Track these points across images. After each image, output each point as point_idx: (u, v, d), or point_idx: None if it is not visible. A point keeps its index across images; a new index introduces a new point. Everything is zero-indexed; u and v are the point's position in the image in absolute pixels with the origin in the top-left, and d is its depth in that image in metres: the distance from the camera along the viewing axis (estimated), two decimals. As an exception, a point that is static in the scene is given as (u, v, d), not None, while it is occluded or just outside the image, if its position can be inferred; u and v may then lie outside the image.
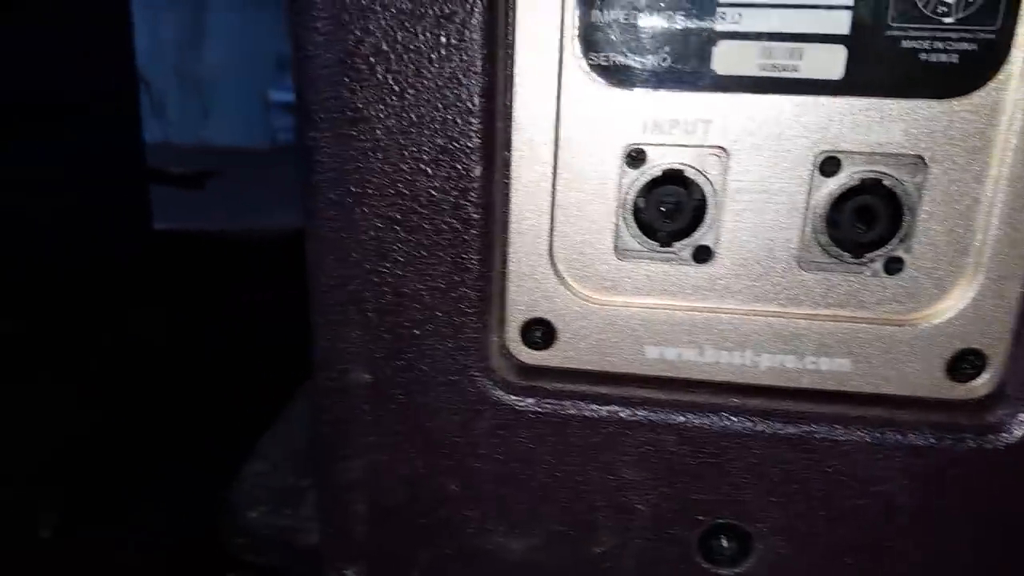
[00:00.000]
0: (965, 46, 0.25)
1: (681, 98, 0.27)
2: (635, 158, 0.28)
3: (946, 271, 0.28)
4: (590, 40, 0.27)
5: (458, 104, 0.27)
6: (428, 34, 0.26)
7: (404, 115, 0.27)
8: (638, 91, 0.27)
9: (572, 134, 0.28)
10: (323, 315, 0.30)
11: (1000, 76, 0.26)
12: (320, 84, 0.27)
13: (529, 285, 0.30)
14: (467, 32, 0.26)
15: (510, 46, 0.27)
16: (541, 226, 0.29)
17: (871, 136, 0.27)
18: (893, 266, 0.28)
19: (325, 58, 0.27)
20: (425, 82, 0.27)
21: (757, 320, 0.29)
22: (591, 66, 0.27)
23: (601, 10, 0.27)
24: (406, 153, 0.27)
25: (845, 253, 0.28)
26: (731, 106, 0.27)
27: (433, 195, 0.28)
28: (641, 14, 0.26)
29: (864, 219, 0.27)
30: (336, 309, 0.30)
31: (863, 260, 0.28)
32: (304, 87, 0.28)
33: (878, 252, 0.28)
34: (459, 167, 0.27)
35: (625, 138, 0.28)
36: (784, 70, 0.26)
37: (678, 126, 0.28)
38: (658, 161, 0.28)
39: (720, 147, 0.28)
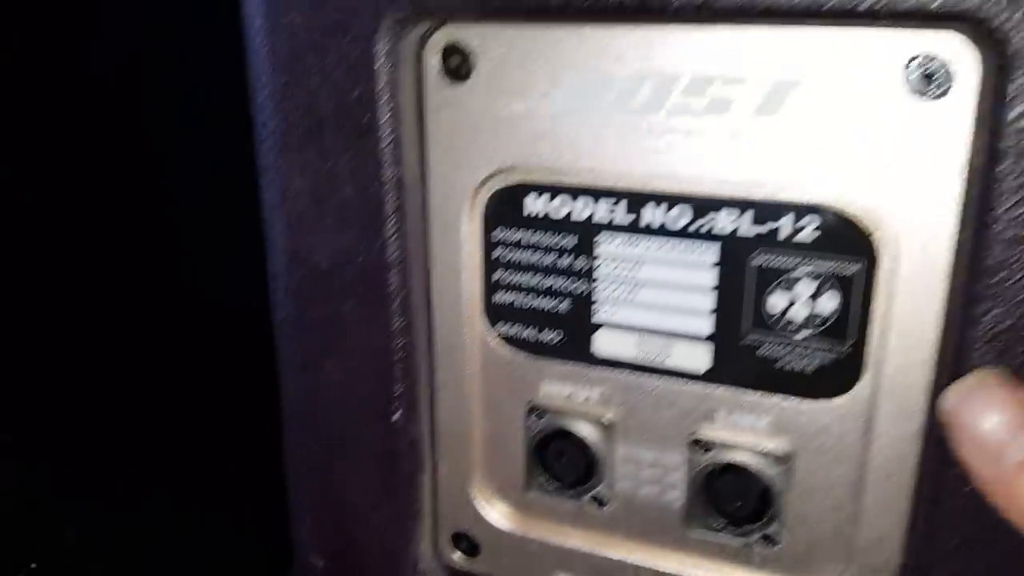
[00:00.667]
0: (819, 360, 0.27)
1: (570, 369, 0.31)
2: (536, 412, 0.32)
3: (820, 550, 0.29)
4: (495, 315, 0.31)
5: (385, 363, 0.32)
6: (352, 304, 0.31)
7: (344, 378, 0.33)
8: (536, 359, 0.31)
9: (485, 387, 0.32)
10: (293, 505, 0.36)
11: (858, 385, 0.27)
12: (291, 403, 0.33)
13: (456, 504, 0.34)
14: (387, 303, 0.31)
15: (430, 312, 0.32)
16: (464, 458, 0.33)
17: (738, 424, 0.29)
18: (769, 540, 0.29)
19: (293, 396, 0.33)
20: (353, 347, 0.32)
21: (649, 563, 0.32)
22: (498, 335, 0.31)
23: (501, 291, 0.31)
24: (347, 409, 0.33)
25: (723, 520, 0.30)
26: (613, 382, 0.30)
27: (370, 439, 0.33)
28: (533, 300, 0.30)
29: (734, 498, 0.29)
30: (302, 503, 0.36)
31: (744, 530, 0.30)
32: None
33: (752, 527, 0.29)
34: (388, 418, 0.32)
35: (527, 394, 0.32)
36: (657, 357, 0.29)
37: (568, 392, 0.31)
38: (553, 419, 0.31)
39: (604, 414, 0.31)
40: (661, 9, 0.24)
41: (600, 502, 0.32)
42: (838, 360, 0.27)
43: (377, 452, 0.33)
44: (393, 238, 0.30)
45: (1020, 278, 0.23)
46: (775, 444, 0.28)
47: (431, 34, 0.28)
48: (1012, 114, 0.22)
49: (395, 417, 0.32)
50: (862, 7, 0.22)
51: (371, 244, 0.30)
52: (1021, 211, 0.22)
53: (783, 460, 0.28)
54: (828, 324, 0.26)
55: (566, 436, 0.31)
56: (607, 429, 0.31)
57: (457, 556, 0.35)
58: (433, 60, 0.29)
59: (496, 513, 0.34)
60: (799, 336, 0.27)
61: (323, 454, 0.34)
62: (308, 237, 0.31)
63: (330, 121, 0.29)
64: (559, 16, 0.26)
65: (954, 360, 0.24)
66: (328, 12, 0.28)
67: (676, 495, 0.30)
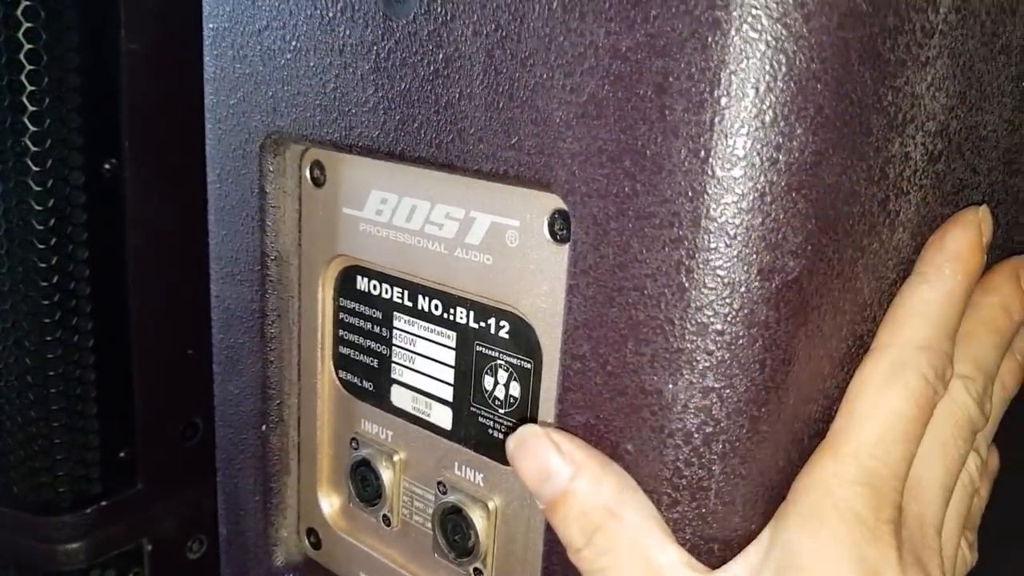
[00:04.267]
0: (508, 430, 0.34)
1: (378, 413, 0.40)
2: (354, 442, 0.41)
3: (519, 592, 0.36)
4: (338, 362, 0.41)
5: (262, 387, 0.43)
6: (245, 338, 0.43)
7: (238, 393, 0.44)
8: (359, 401, 0.41)
9: (329, 417, 0.42)
10: (217, 480, 0.48)
11: (539, 459, 0.34)
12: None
13: (309, 504, 0.44)
14: (267, 342, 0.42)
15: (300, 353, 0.43)
16: (314, 469, 0.43)
17: (465, 475, 0.36)
18: (479, 572, 0.36)
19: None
20: (243, 371, 0.43)
21: (413, 577, 0.40)
22: (339, 379, 0.41)
23: (342, 345, 0.41)
24: (239, 416, 0.44)
25: (452, 551, 0.37)
26: (401, 428, 0.39)
27: (250, 443, 0.44)
28: (358, 355, 0.40)
29: (455, 534, 0.36)
30: (219, 480, 0.48)
31: (463, 562, 0.37)
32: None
33: (467, 559, 0.36)
34: (259, 428, 0.43)
35: (352, 428, 0.41)
36: (423, 413, 0.38)
37: (376, 430, 0.40)
38: (363, 451, 0.41)
39: (396, 452, 0.39)
40: (416, 158, 0.34)
41: (387, 522, 0.40)
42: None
43: (254, 454, 0.44)
44: (272, 294, 0.41)
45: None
46: (484, 496, 0.36)
47: (305, 152, 0.40)
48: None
49: (264, 428, 0.43)
50: (511, 174, 0.30)
51: (257, 296, 0.42)
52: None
53: (488, 510, 0.35)
54: (515, 406, 0.34)
55: (368, 465, 0.40)
56: (395, 465, 0.39)
57: (307, 547, 0.45)
58: (306, 171, 0.40)
59: (330, 516, 0.43)
60: (501, 411, 0.34)
61: (227, 448, 0.46)
62: (222, 285, 0.43)
63: (236, 211, 0.41)
64: (370, 153, 0.36)
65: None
66: (235, 133, 0.40)
67: (428, 525, 0.38)
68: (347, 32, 0.34)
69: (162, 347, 0.67)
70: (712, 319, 0.26)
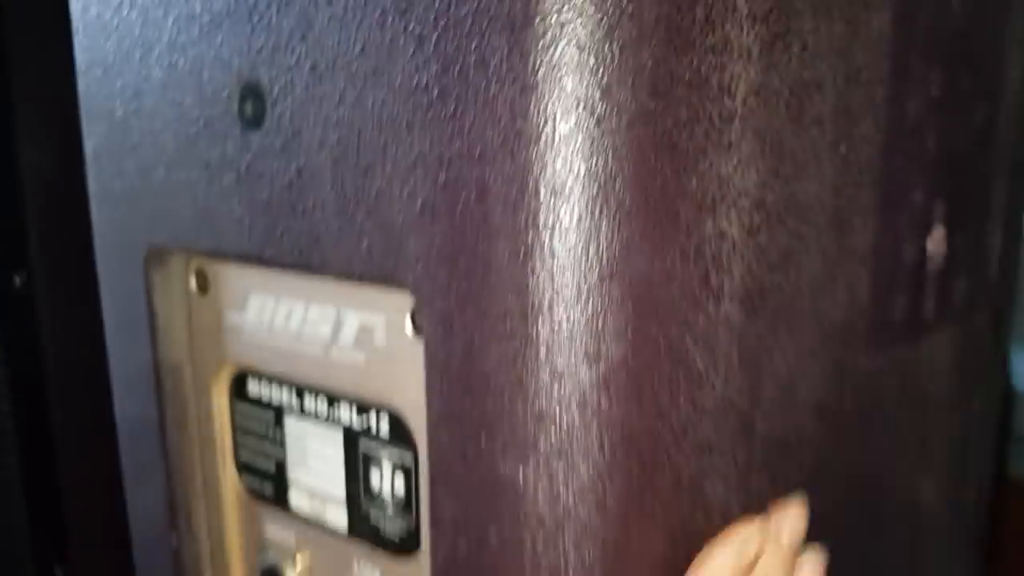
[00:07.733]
0: (401, 526, 0.35)
1: (281, 516, 0.40)
2: (261, 548, 0.41)
3: None
4: (241, 468, 0.42)
5: (165, 501, 0.43)
6: (149, 450, 0.43)
7: (147, 505, 0.44)
8: (263, 506, 0.41)
9: (239, 524, 0.42)
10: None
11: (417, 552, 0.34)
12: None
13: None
14: (165, 453, 0.42)
15: (204, 461, 0.43)
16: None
17: (362, 571, 0.37)
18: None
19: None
20: (150, 482, 0.43)
21: None
22: (244, 485, 0.42)
23: (242, 450, 0.41)
24: (152, 526, 0.44)
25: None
26: (303, 530, 0.39)
27: (166, 555, 0.44)
28: (257, 459, 0.41)
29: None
30: None
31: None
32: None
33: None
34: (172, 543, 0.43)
35: (260, 533, 0.41)
36: (321, 514, 0.38)
37: (280, 535, 0.40)
38: (269, 555, 0.41)
39: (299, 556, 0.39)
40: (284, 264, 0.35)
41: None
42: (408, 529, 0.34)
43: (168, 569, 0.44)
44: (169, 404, 0.42)
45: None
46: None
47: (189, 261, 0.41)
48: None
49: (173, 541, 0.43)
50: (367, 276, 0.32)
51: (154, 408, 0.42)
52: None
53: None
54: (401, 501, 0.34)
55: (275, 571, 0.40)
56: (300, 567, 0.40)
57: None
58: (191, 280, 0.41)
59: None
60: (390, 508, 0.35)
61: (142, 566, 0.46)
62: (123, 398, 0.44)
63: (128, 325, 0.42)
64: (243, 261, 0.37)
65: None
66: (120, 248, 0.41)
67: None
68: (210, 147, 0.36)
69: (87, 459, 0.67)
70: (549, 406, 0.27)
